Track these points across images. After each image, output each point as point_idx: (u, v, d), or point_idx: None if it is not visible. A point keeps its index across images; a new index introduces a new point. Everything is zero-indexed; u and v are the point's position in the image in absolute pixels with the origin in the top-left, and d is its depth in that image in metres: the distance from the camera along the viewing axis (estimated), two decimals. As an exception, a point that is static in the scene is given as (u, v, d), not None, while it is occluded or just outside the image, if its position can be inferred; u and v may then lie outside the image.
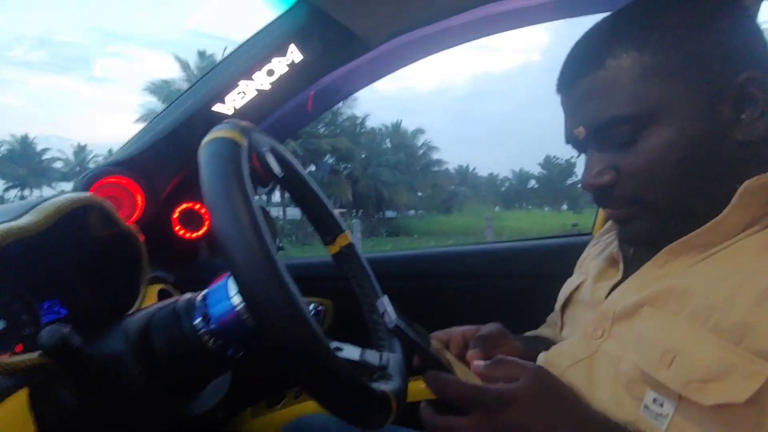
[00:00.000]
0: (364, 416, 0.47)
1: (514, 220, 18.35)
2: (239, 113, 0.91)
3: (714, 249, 0.47)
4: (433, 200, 28.47)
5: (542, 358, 0.60)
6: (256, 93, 0.89)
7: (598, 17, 0.53)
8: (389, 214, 26.40)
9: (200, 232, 1.02)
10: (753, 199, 0.44)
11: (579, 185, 0.55)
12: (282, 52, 0.88)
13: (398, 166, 25.49)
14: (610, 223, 0.72)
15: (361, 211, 24.78)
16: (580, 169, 0.57)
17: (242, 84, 0.89)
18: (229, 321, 0.56)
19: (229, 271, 0.49)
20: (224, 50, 18.28)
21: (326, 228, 0.82)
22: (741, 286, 0.41)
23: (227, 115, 0.91)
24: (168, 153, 0.94)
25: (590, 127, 0.50)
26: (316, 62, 0.89)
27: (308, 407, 1.02)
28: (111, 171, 0.90)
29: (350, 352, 0.67)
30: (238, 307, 0.53)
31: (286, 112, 0.99)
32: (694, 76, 0.45)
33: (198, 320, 0.58)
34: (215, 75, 0.92)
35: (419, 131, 27.75)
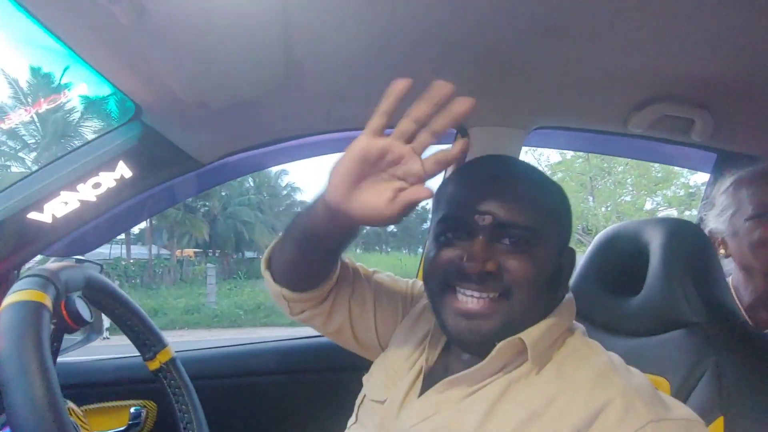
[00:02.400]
0: None
1: (374, 263, 18.98)
2: (59, 221, 0.89)
3: (477, 385, 0.62)
4: (296, 241, 28.14)
5: None
6: (79, 204, 0.89)
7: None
8: (249, 254, 25.33)
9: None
10: (504, 353, 0.61)
11: (456, 262, 0.61)
12: (111, 167, 0.90)
13: (260, 206, 24.81)
14: (420, 306, 0.87)
15: (219, 251, 23.35)
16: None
17: (65, 194, 0.89)
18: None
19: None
20: (64, 71, 16.17)
21: (147, 345, 0.85)
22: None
23: (45, 222, 0.89)
24: (-31, 259, 0.87)
25: (498, 219, 0.60)
26: (145, 177, 0.93)
27: None
28: None
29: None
30: None
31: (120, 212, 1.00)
32: (563, 231, 0.66)
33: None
34: (34, 182, 0.90)
35: (283, 172, 27.58)
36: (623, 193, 15.08)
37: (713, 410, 0.63)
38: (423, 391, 0.68)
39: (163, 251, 21.77)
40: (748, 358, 0.66)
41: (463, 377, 0.63)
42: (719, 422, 0.61)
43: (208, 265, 14.42)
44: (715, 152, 1.34)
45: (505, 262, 0.61)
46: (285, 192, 27.55)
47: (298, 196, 27.88)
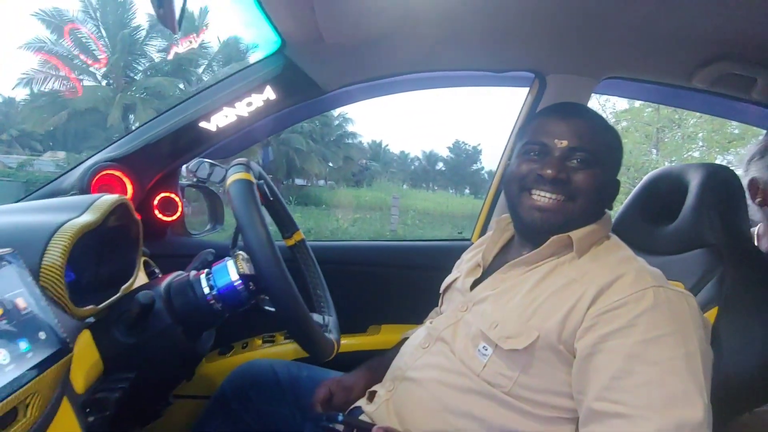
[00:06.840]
0: (319, 352, 0.83)
1: (420, 201, 19.29)
2: (221, 130, 1.17)
3: (531, 266, 0.87)
4: (344, 172, 28.67)
5: (429, 326, 0.98)
6: (236, 117, 1.17)
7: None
8: (299, 182, 26.15)
9: (174, 217, 1.27)
10: (555, 243, 0.86)
11: (536, 171, 0.84)
12: (260, 90, 1.16)
13: (312, 135, 25.21)
14: (483, 237, 1.11)
15: (271, 176, 24.18)
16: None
17: (226, 109, 1.16)
18: (228, 291, 0.85)
19: (232, 258, 0.80)
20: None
21: (286, 227, 1.14)
22: (536, 295, 0.82)
23: (211, 131, 1.17)
24: (156, 155, 1.17)
25: (572, 144, 0.84)
26: (283, 100, 1.18)
27: (252, 355, 1.33)
28: (109, 166, 1.13)
29: (306, 315, 1.01)
30: (236, 282, 0.82)
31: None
32: (614, 164, 0.89)
33: (206, 289, 0.87)
34: (202, 98, 1.17)
35: (337, 102, 27.56)
36: (692, 148, 14.03)
37: (711, 302, 0.85)
38: (488, 275, 0.94)
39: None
40: (748, 270, 0.86)
41: (522, 260, 0.89)
42: (714, 311, 0.84)
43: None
44: (775, 110, 1.43)
45: (573, 175, 0.84)
46: (337, 122, 27.73)
47: (349, 127, 28.08)
